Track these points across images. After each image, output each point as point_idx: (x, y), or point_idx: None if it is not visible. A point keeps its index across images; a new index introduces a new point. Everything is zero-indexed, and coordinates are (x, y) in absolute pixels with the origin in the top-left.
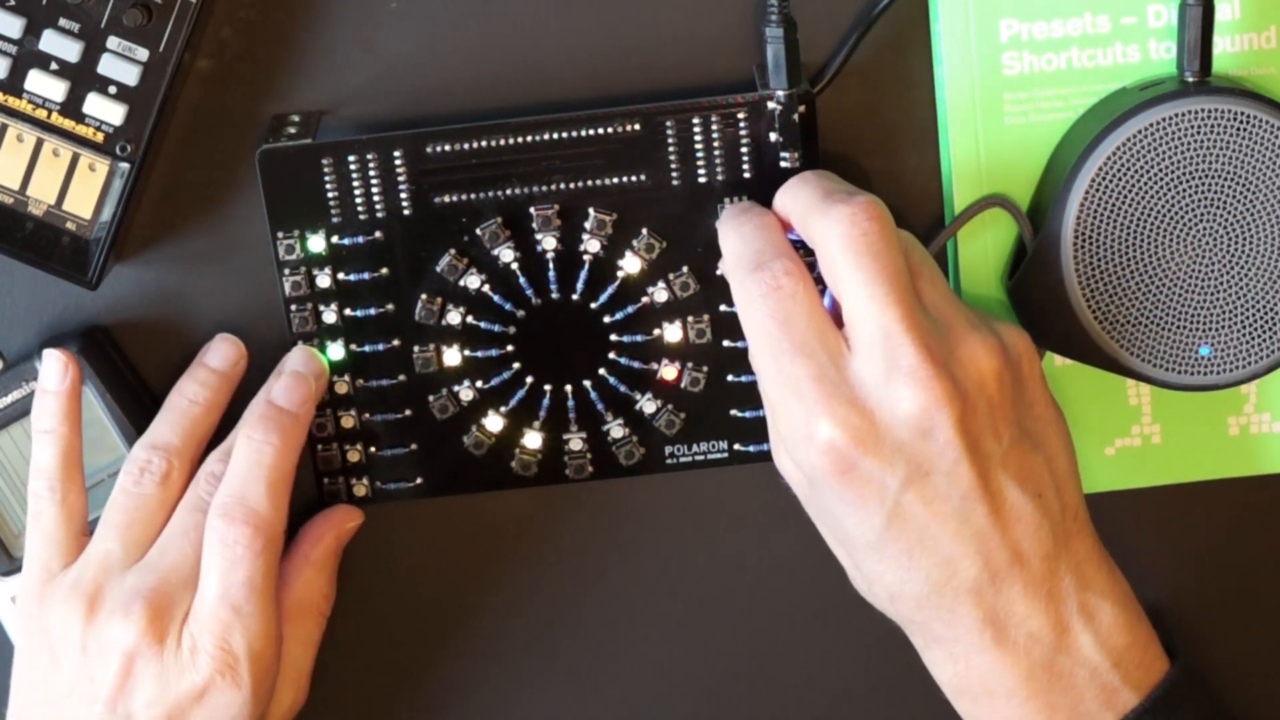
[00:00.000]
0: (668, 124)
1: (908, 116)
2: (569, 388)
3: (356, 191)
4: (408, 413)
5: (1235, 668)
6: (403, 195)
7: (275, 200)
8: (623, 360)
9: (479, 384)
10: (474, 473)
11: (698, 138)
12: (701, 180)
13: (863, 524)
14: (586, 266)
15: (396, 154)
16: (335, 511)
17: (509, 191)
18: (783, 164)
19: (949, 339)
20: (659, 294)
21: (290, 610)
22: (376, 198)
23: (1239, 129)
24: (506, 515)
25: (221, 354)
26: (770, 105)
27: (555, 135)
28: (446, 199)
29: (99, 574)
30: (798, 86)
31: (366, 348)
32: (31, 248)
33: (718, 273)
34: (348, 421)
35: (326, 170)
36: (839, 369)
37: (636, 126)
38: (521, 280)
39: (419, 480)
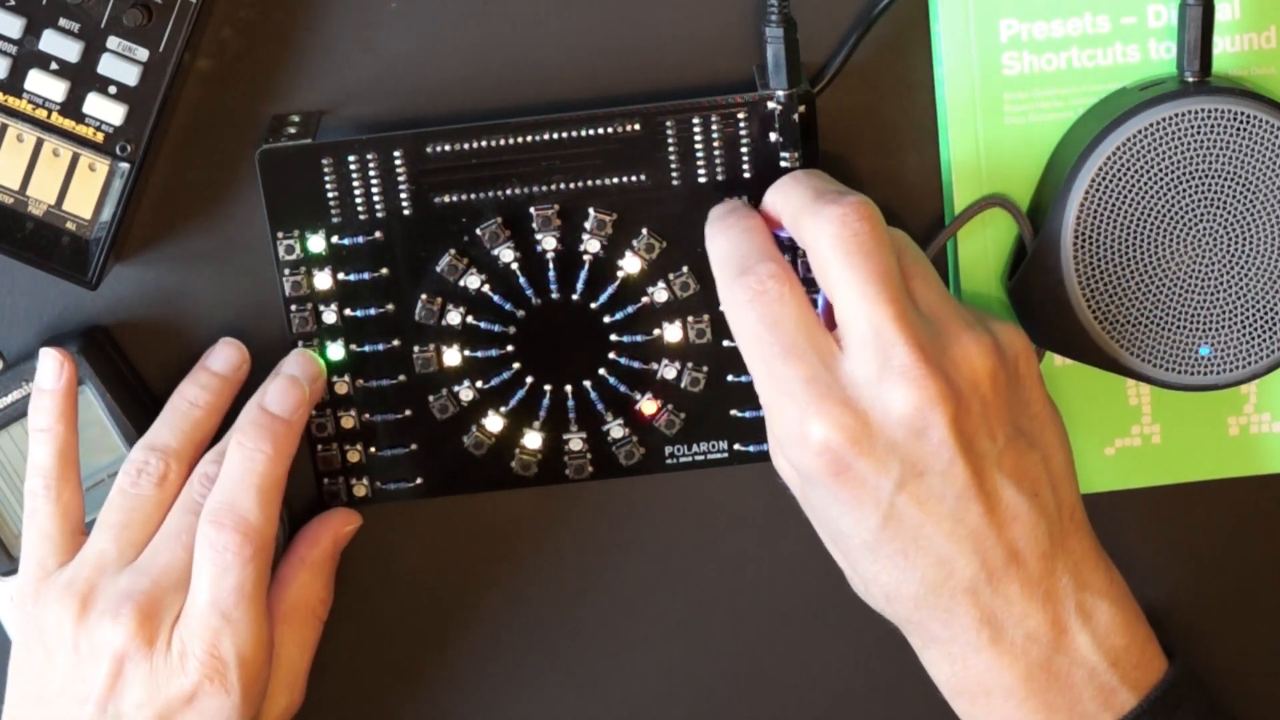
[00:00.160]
0: (668, 124)
1: (908, 116)
2: (569, 388)
3: (356, 191)
4: (408, 413)
5: (1235, 668)
6: (403, 195)
7: (275, 200)
8: (623, 360)
9: (479, 384)
10: (474, 473)
11: (698, 138)
12: (701, 180)
13: (858, 524)
14: (586, 266)
15: (396, 154)
16: (333, 515)
17: (509, 191)
18: (783, 164)
19: (942, 338)
20: (659, 294)
21: (286, 613)
22: (376, 198)
23: (1239, 129)
24: (506, 515)
25: (224, 358)
26: (770, 105)
27: (555, 135)
28: (446, 199)
29: (93, 574)
30: (798, 86)
31: (366, 348)
32: (31, 248)
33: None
34: (347, 421)
35: (326, 170)
36: (831, 370)
37: (636, 126)
38: (521, 280)
39: (419, 480)
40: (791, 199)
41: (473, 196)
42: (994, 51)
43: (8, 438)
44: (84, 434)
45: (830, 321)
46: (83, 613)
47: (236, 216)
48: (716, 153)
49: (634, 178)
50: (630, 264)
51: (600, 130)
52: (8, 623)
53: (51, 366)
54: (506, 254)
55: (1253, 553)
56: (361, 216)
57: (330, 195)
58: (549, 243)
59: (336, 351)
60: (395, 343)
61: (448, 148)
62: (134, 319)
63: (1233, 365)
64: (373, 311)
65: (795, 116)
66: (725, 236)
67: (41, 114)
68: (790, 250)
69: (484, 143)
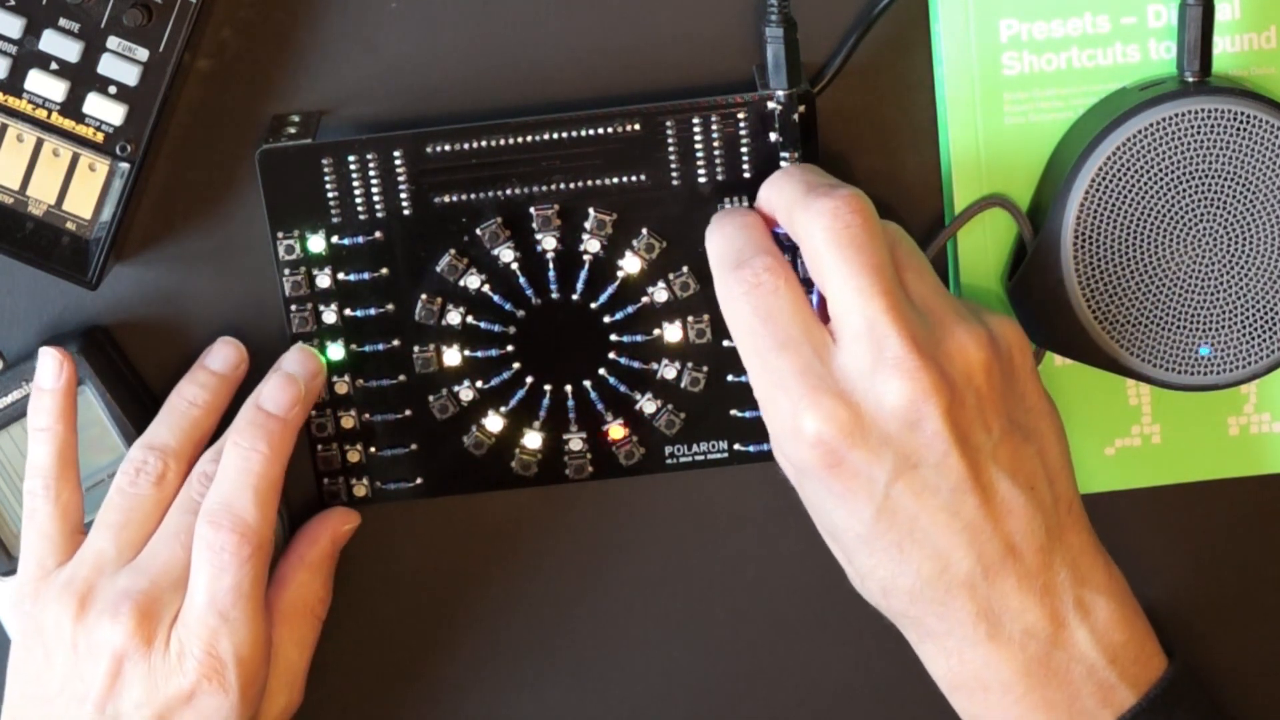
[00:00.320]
0: (668, 124)
1: (908, 116)
2: (569, 388)
3: (356, 191)
4: (408, 413)
5: (1235, 668)
6: (403, 195)
7: (275, 200)
8: (623, 360)
9: (479, 384)
10: (474, 473)
11: (698, 138)
12: (701, 180)
13: (852, 517)
14: (586, 266)
15: (396, 154)
16: (332, 514)
17: (509, 191)
18: (783, 164)
19: (936, 330)
20: (659, 294)
21: (284, 612)
22: (376, 198)
23: (1239, 129)
24: (506, 515)
25: (222, 357)
26: (770, 105)
27: (555, 135)
28: (446, 199)
29: (91, 573)
30: (798, 86)
31: (366, 348)
32: (31, 248)
33: None
34: (347, 421)
35: (326, 170)
36: (824, 362)
37: (636, 126)
38: (521, 280)
39: (419, 480)
40: (784, 193)
41: (473, 196)
42: (994, 51)
43: (7, 438)
44: (84, 434)
45: (825, 315)
46: (81, 612)
47: (236, 216)
48: (716, 153)
49: (634, 178)
50: (630, 264)
51: (600, 130)
52: (7, 622)
53: (51, 366)
54: (506, 254)
55: (1253, 553)
56: (361, 216)
57: (330, 195)
58: (549, 243)
59: (336, 351)
60: (395, 343)
61: (448, 148)
62: (134, 319)
63: (1233, 365)
64: (373, 311)
65: (795, 116)
66: (722, 232)
67: (41, 114)
68: (790, 250)
69: (484, 143)
